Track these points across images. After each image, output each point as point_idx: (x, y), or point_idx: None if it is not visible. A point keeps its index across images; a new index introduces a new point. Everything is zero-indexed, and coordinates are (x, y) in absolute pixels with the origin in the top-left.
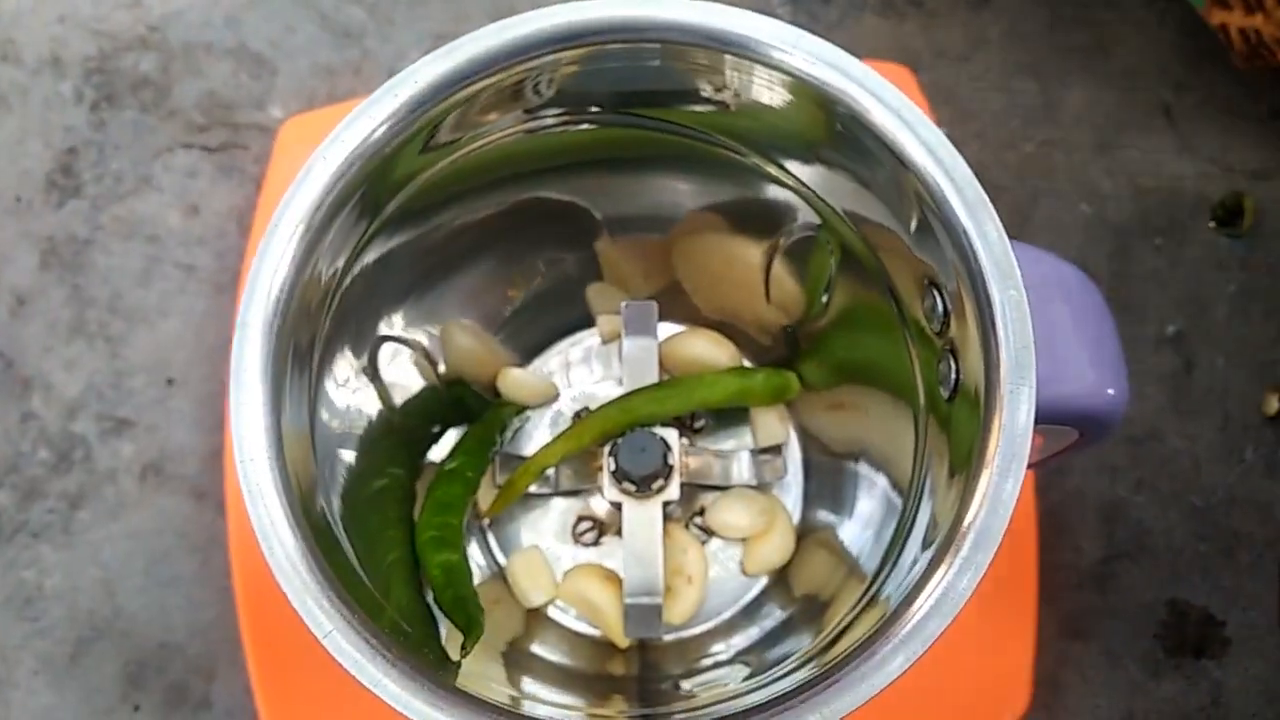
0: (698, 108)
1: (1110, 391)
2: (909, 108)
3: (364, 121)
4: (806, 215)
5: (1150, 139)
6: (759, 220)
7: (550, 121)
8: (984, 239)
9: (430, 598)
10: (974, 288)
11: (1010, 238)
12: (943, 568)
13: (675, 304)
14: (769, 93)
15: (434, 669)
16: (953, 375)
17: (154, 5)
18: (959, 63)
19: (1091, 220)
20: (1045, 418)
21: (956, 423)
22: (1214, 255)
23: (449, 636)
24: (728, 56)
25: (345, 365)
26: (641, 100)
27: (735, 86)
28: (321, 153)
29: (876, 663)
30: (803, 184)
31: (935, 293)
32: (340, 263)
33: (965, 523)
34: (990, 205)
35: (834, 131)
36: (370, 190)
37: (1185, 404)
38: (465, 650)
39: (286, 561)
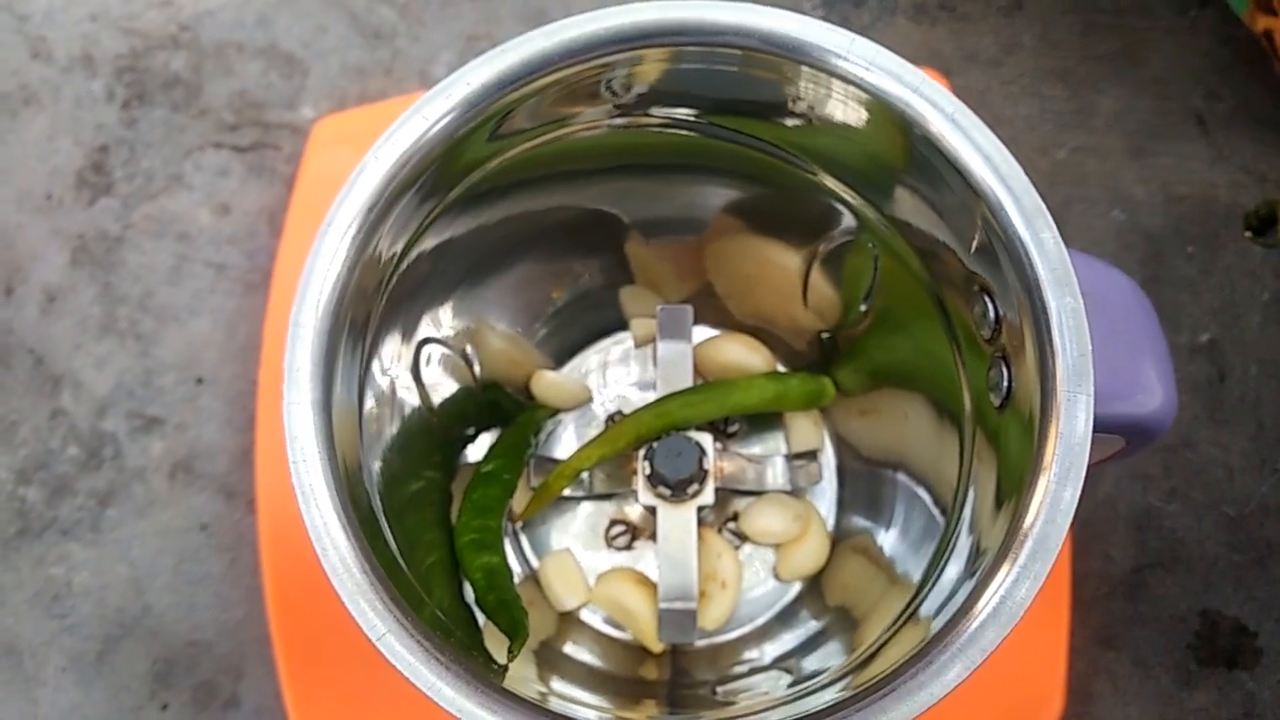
0: (786, 121)
1: (1161, 401)
2: (964, 113)
3: (417, 121)
4: (849, 221)
5: (1183, 147)
6: (798, 225)
7: (621, 121)
8: (1040, 247)
9: (472, 600)
10: (1030, 296)
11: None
12: (999, 576)
13: (709, 308)
14: (842, 108)
15: (485, 672)
16: (1005, 383)
17: (185, 4)
18: (990, 68)
19: (1124, 227)
20: (1096, 426)
21: (1006, 438)
22: (1247, 264)
23: (489, 639)
24: (803, 68)
25: (391, 358)
26: (720, 109)
27: (809, 99)
28: (375, 151)
29: (934, 672)
30: (866, 200)
31: (986, 299)
32: (400, 246)
33: (1023, 531)
34: (1047, 213)
35: (910, 154)
36: (434, 176)
37: (1219, 413)
38: (512, 654)
39: (340, 563)
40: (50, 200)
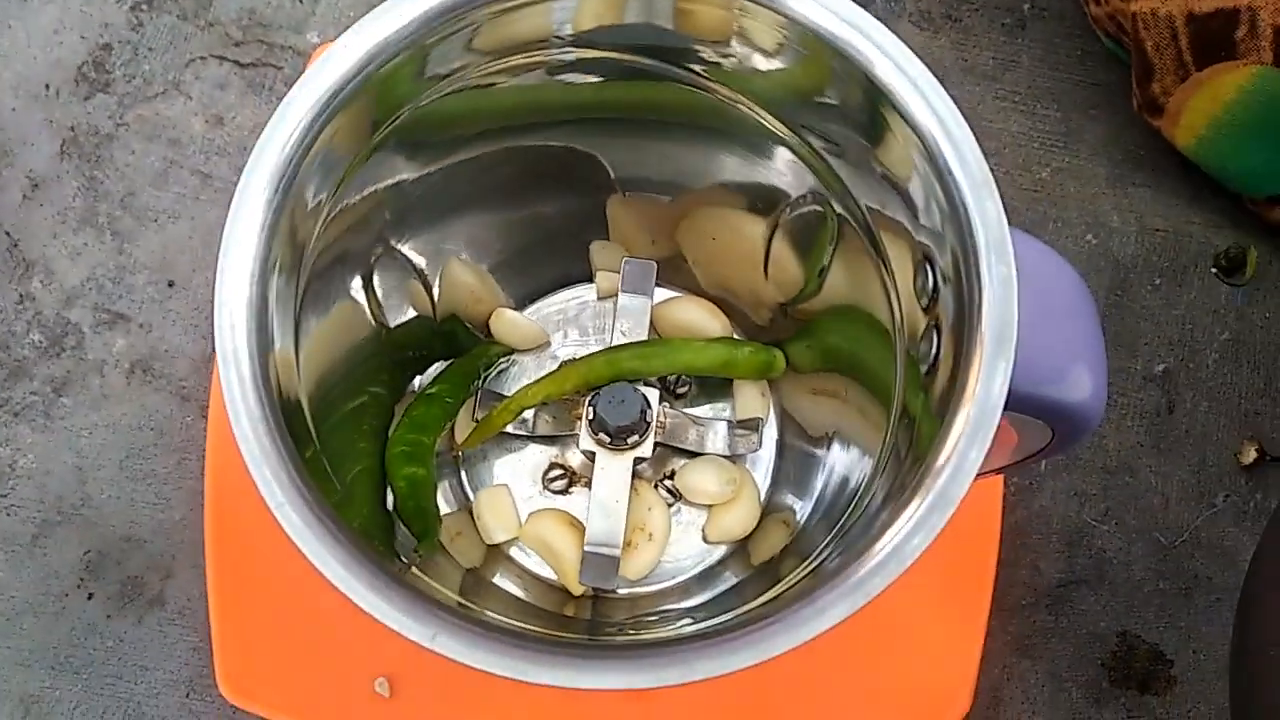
0: (720, 60)
1: (1090, 392)
2: (925, 76)
3: (391, 17)
4: (814, 187)
5: (1164, 182)
6: (766, 194)
7: (571, 59)
8: (983, 215)
9: (392, 507)
10: (966, 261)
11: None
12: (896, 525)
13: (676, 274)
14: (773, 41)
15: (382, 559)
16: (933, 351)
17: None
18: (986, 81)
19: (1095, 251)
20: (1020, 405)
21: (922, 421)
22: (1211, 302)
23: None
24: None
25: (344, 275)
26: (661, 54)
27: (748, 38)
28: (344, 40)
29: (816, 609)
30: (818, 154)
31: (929, 268)
32: (345, 169)
33: (925, 484)
34: (994, 184)
35: (867, 112)
36: (379, 99)
37: (1163, 442)
38: (418, 554)
39: (250, 429)
40: (48, 91)
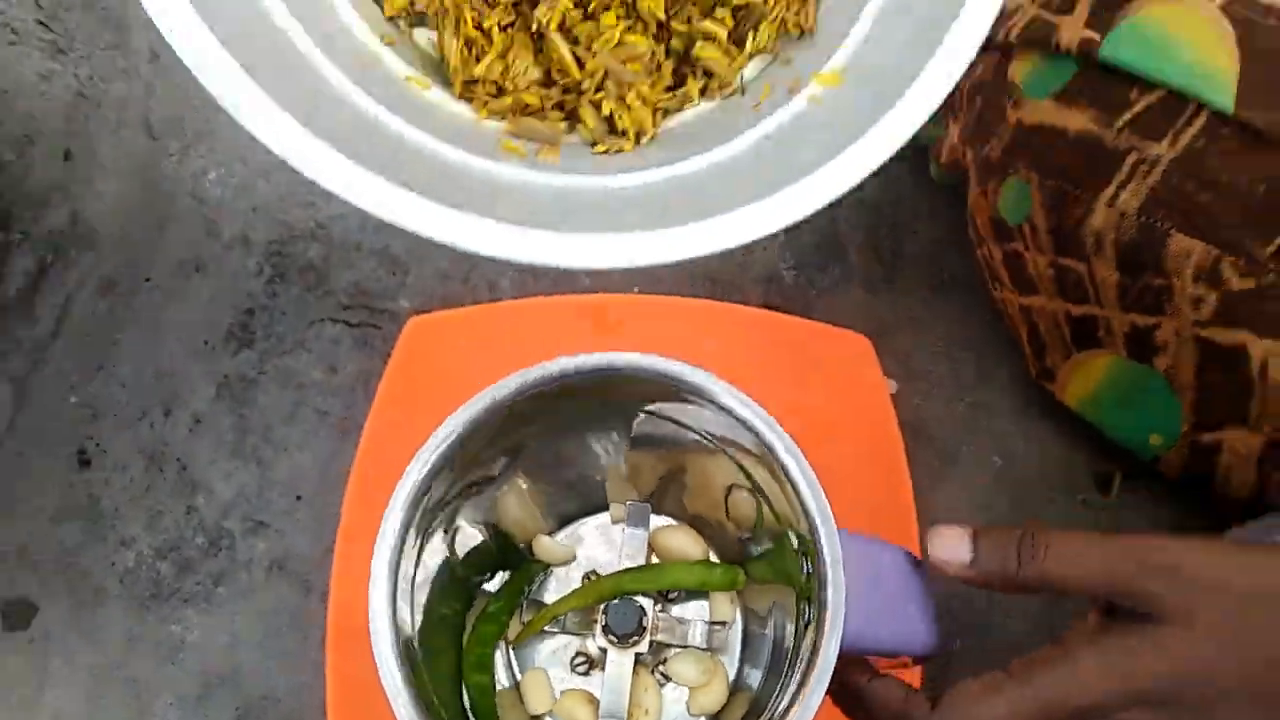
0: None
1: (925, 641)
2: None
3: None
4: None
5: (1062, 420)
6: (724, 465)
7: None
8: (835, 571)
9: (468, 706)
10: (820, 571)
11: (853, 532)
12: None
13: (670, 499)
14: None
15: None
16: (808, 611)
17: (323, 207)
18: (918, 333)
19: (1001, 471)
20: (875, 651)
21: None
22: (1095, 519)
23: None
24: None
25: (437, 543)
26: None
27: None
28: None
29: None
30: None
31: (805, 560)
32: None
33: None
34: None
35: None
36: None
37: (1060, 629)
38: None
39: (392, 681)
40: (206, 346)
